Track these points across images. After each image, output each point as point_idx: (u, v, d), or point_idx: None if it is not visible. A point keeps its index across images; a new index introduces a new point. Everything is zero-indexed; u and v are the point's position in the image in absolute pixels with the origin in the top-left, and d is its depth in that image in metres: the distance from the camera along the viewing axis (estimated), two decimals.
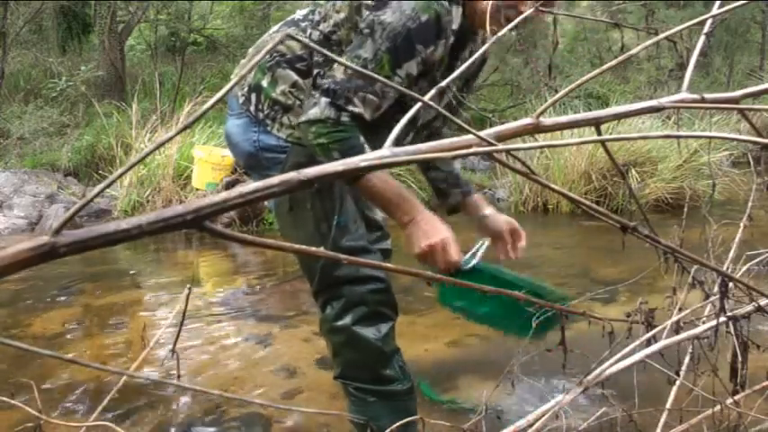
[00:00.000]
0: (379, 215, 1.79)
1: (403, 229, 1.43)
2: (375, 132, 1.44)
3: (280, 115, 1.52)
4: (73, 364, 2.23)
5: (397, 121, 0.59)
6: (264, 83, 1.52)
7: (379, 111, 1.41)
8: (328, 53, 0.59)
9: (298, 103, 1.50)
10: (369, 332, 1.51)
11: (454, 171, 1.80)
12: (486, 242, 1.63)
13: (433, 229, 1.40)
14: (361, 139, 1.38)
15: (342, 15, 1.48)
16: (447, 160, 1.74)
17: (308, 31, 1.53)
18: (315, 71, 1.51)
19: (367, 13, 1.42)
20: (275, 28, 1.66)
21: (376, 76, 0.61)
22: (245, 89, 1.55)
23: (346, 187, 1.53)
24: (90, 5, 9.02)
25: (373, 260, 1.49)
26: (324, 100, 1.36)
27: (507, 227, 1.68)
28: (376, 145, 1.39)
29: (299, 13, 1.60)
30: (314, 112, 1.36)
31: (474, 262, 1.50)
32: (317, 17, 1.54)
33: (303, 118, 1.38)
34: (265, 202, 3.18)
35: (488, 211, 1.73)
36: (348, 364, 1.55)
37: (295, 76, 1.51)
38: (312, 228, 1.52)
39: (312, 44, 0.62)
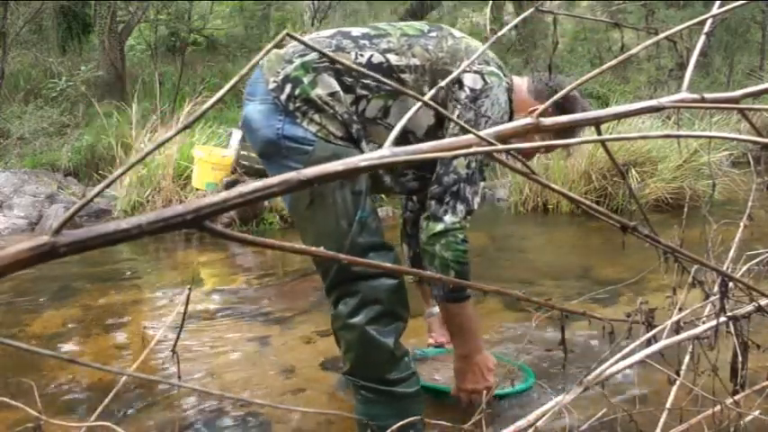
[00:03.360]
0: None
1: (459, 356, 1.70)
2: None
3: (312, 112, 1.53)
4: (73, 364, 2.23)
5: None
6: (305, 80, 1.54)
7: None
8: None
9: (331, 111, 1.53)
10: (381, 333, 1.52)
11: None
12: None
13: (484, 376, 1.69)
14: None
15: (416, 61, 1.58)
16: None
17: (369, 52, 1.58)
18: (362, 94, 1.56)
19: (462, 95, 1.58)
20: (329, 32, 1.66)
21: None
22: (279, 78, 1.55)
23: (368, 182, 1.58)
24: (90, 5, 9.03)
25: (390, 256, 1.57)
26: (460, 208, 1.55)
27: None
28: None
29: (357, 30, 1.64)
30: (450, 220, 1.54)
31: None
32: (383, 44, 1.59)
33: (439, 227, 1.54)
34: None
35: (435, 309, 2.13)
36: (357, 363, 1.56)
37: (337, 87, 1.54)
38: (333, 223, 1.52)
39: (319, 48, 0.62)
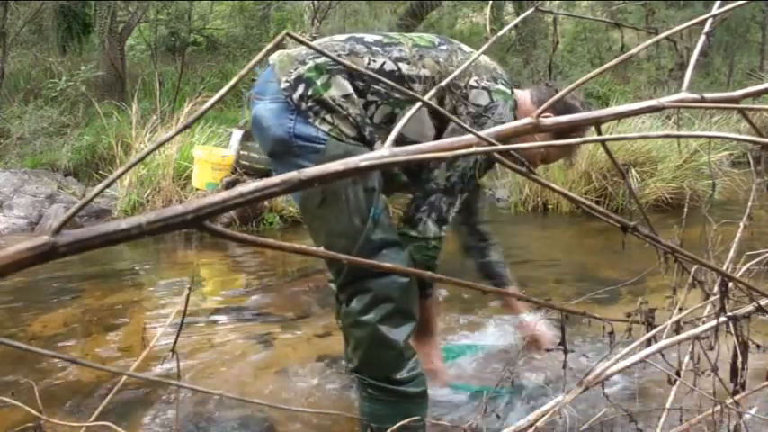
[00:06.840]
0: None
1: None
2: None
3: (324, 112, 1.53)
4: (73, 363, 2.23)
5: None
6: (319, 81, 1.53)
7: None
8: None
9: (344, 113, 1.53)
10: (392, 332, 1.52)
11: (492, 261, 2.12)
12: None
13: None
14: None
15: (426, 72, 1.59)
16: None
17: (381, 59, 1.58)
18: (371, 99, 1.57)
19: (465, 111, 1.61)
20: (343, 37, 1.66)
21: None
22: (292, 77, 1.55)
23: (381, 180, 1.58)
24: (90, 5, 9.02)
25: (402, 254, 1.58)
26: (433, 217, 1.61)
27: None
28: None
29: (369, 37, 1.64)
30: (422, 229, 1.61)
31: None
32: (395, 52, 1.60)
33: (412, 233, 1.61)
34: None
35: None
36: (366, 361, 1.55)
37: (350, 90, 1.54)
38: (345, 220, 1.52)
39: (318, 48, 0.62)
